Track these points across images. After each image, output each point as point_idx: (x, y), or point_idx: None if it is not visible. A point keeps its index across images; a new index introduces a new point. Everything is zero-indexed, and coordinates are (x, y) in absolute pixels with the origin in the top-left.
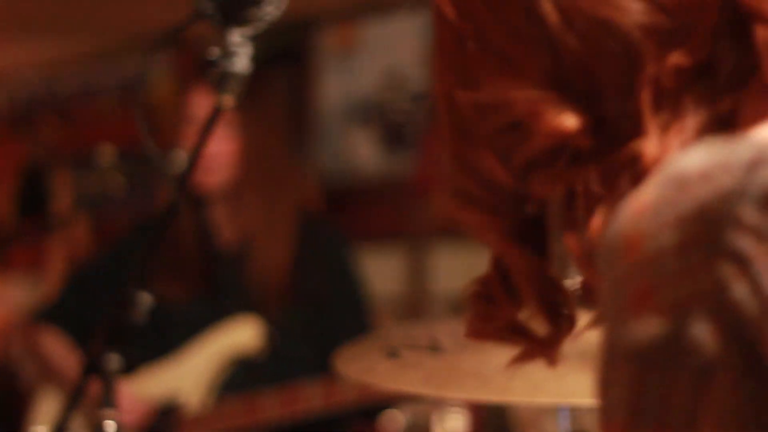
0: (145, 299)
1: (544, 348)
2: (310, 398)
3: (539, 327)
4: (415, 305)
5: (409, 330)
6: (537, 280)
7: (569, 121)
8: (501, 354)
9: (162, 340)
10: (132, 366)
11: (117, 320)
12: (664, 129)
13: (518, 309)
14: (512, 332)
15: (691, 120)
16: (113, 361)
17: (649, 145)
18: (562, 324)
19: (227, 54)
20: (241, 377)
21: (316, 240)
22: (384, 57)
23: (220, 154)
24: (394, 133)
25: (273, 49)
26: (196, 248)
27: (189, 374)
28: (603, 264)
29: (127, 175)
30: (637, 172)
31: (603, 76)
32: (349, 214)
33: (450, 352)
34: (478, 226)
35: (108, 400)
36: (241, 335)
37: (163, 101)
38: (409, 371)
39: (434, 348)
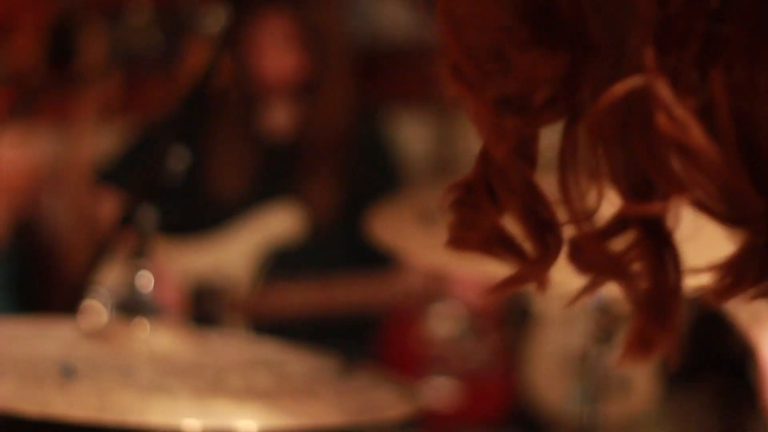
0: (183, 155)
1: (531, 267)
2: (348, 291)
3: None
4: (444, 170)
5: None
6: (520, 184)
7: (547, 64)
8: None
9: (206, 220)
10: (168, 222)
11: (153, 174)
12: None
13: (501, 217)
14: (497, 244)
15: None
16: (148, 214)
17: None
18: (547, 243)
19: None
20: (281, 264)
21: (365, 131)
22: None
23: (284, 64)
24: None
25: None
26: (250, 136)
27: (230, 258)
28: None
29: (163, 32)
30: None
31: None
32: (378, 76)
33: None
34: (467, 100)
35: (141, 251)
36: (283, 223)
37: None
38: (441, 239)
39: None
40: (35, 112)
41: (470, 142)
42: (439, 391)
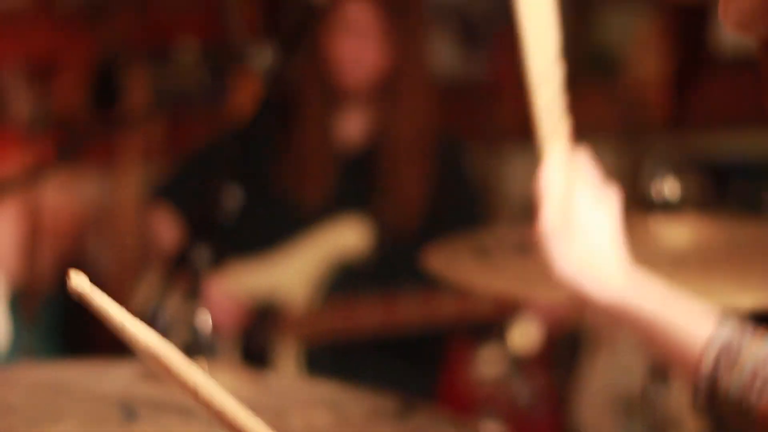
0: (235, 194)
1: None
2: (411, 307)
3: None
4: (488, 207)
5: (496, 231)
6: None
7: None
8: None
9: (273, 234)
10: (221, 259)
11: (207, 213)
12: None
13: None
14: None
15: None
16: (202, 254)
17: None
18: None
19: None
20: (344, 279)
21: (447, 155)
22: None
23: (364, 59)
24: (470, 34)
25: None
26: (323, 146)
27: (292, 272)
28: None
29: (210, 69)
30: None
31: None
32: None
33: (539, 254)
34: None
35: (196, 291)
36: (349, 237)
37: None
38: (497, 271)
39: (525, 250)
40: (80, 156)
41: (512, 182)
42: None
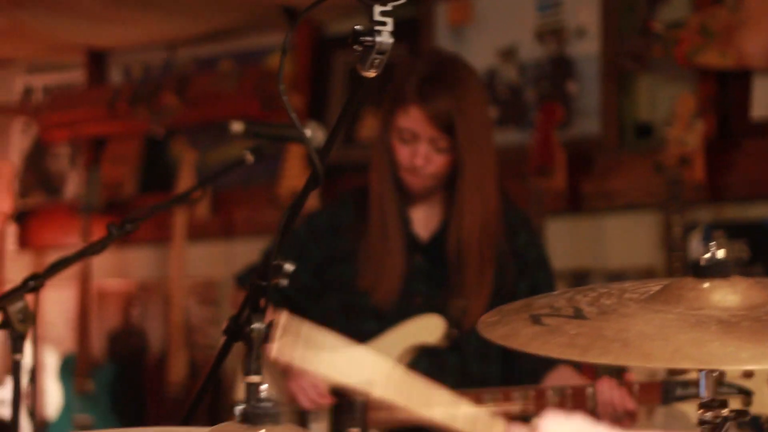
0: (288, 269)
1: None
2: (488, 402)
3: None
4: None
5: (550, 299)
6: None
7: None
8: (642, 321)
9: (354, 328)
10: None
11: (264, 289)
12: None
13: None
14: None
15: None
16: (258, 328)
17: None
18: None
19: (371, 30)
20: (423, 366)
21: (514, 231)
22: (498, 32)
23: (418, 165)
24: (507, 109)
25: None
26: (397, 241)
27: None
28: None
29: (258, 148)
30: None
31: None
32: None
33: (592, 320)
34: None
35: (252, 367)
36: (428, 332)
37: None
38: (552, 337)
39: (578, 316)
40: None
41: (553, 255)
42: None
